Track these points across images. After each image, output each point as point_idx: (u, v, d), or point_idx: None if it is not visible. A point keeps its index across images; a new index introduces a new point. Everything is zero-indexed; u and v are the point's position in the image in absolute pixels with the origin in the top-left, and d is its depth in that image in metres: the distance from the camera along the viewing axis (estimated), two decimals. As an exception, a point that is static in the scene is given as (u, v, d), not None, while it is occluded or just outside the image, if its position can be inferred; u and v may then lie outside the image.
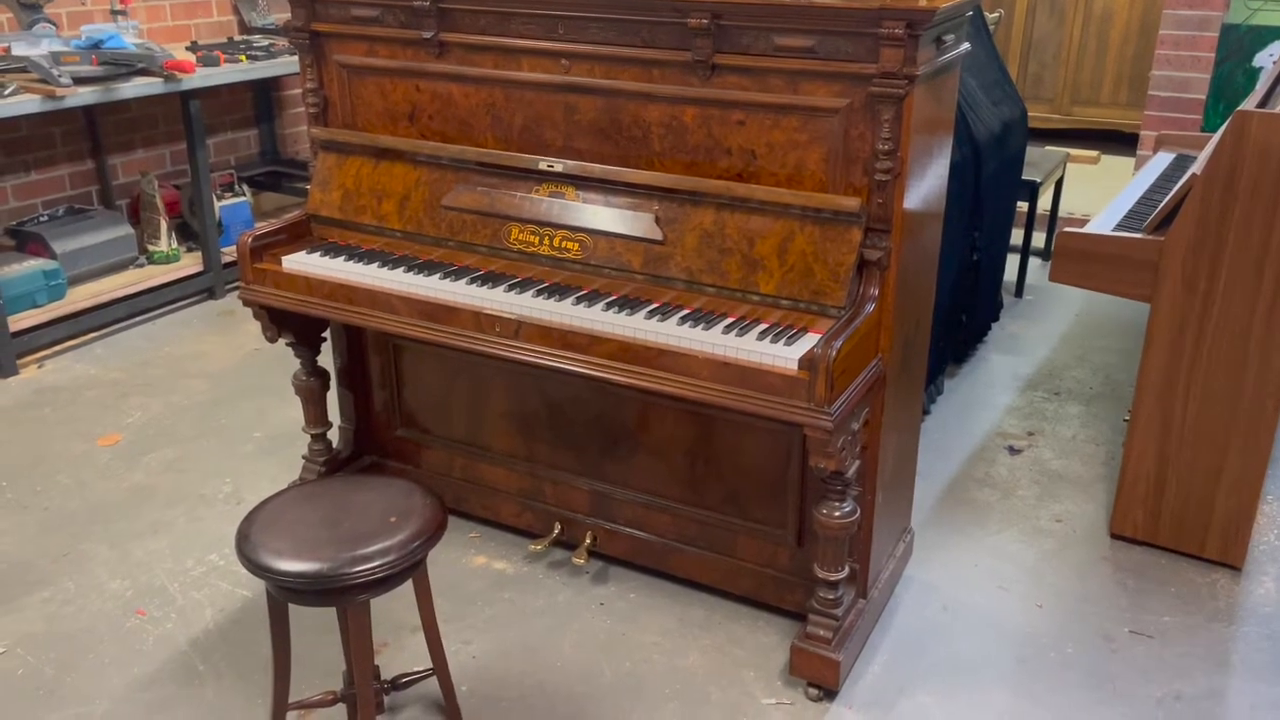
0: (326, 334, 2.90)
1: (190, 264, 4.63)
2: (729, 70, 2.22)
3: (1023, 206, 4.59)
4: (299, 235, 2.74)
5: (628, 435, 2.67)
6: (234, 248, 4.83)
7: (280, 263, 2.63)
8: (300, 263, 2.61)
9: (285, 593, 2.00)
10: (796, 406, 2.06)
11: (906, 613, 2.65)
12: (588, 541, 2.76)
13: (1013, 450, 3.45)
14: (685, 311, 2.28)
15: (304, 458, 3.01)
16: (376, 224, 2.64)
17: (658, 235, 2.32)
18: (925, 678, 2.45)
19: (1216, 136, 2.71)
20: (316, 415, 2.94)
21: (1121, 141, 6.87)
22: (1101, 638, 2.59)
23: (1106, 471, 3.32)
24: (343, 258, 2.60)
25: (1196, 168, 2.66)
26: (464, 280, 2.45)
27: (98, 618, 2.66)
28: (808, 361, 2.05)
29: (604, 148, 2.43)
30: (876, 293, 2.18)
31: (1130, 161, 6.30)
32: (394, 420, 3.03)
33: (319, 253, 2.64)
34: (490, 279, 2.45)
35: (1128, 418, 3.52)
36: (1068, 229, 2.83)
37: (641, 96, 2.34)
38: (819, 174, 2.21)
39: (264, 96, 5.34)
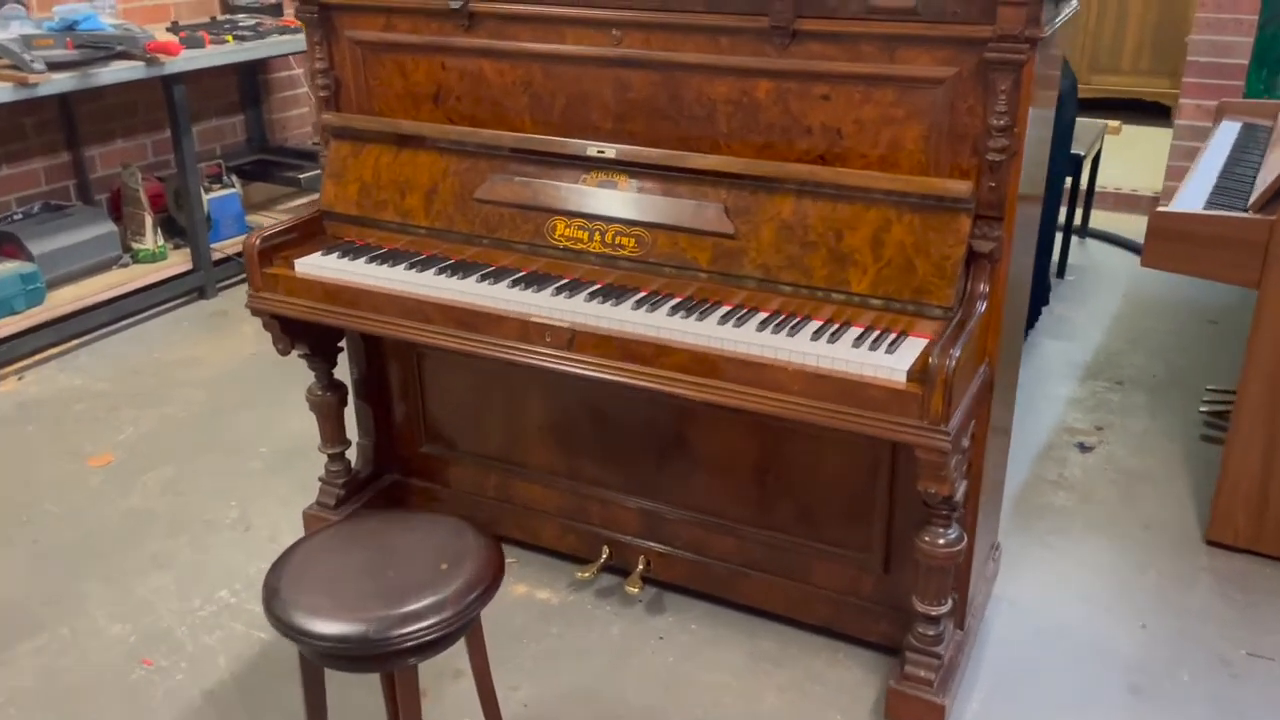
0: (343, 342, 2.60)
1: (178, 262, 4.30)
2: (812, 37, 1.94)
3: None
4: (311, 234, 2.44)
5: (684, 448, 2.40)
6: (224, 244, 4.57)
7: (293, 266, 2.33)
8: (316, 266, 2.31)
9: (323, 658, 1.72)
10: (906, 425, 1.78)
11: (1000, 639, 2.40)
12: (640, 567, 2.49)
13: (1083, 448, 3.20)
14: (763, 315, 2.00)
15: (321, 480, 2.72)
16: (400, 220, 2.35)
17: (728, 228, 2.04)
18: (1032, 717, 2.20)
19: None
20: (334, 433, 2.65)
21: (1142, 110, 6.61)
22: (1218, 661, 2.34)
23: (1188, 469, 3.07)
24: (364, 259, 2.31)
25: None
26: (505, 283, 2.16)
27: (99, 669, 2.37)
28: (920, 373, 1.78)
29: (661, 130, 2.14)
30: (987, 289, 1.90)
31: (1160, 132, 6.05)
32: (418, 434, 2.75)
33: (336, 254, 2.34)
34: (535, 281, 2.16)
35: (1203, 409, 3.28)
36: (1162, 209, 2.56)
37: (707, 70, 2.05)
38: (917, 154, 1.93)
39: (250, 80, 5.00)
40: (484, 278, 2.19)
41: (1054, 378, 3.63)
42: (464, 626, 1.73)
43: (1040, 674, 2.30)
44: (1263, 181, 2.73)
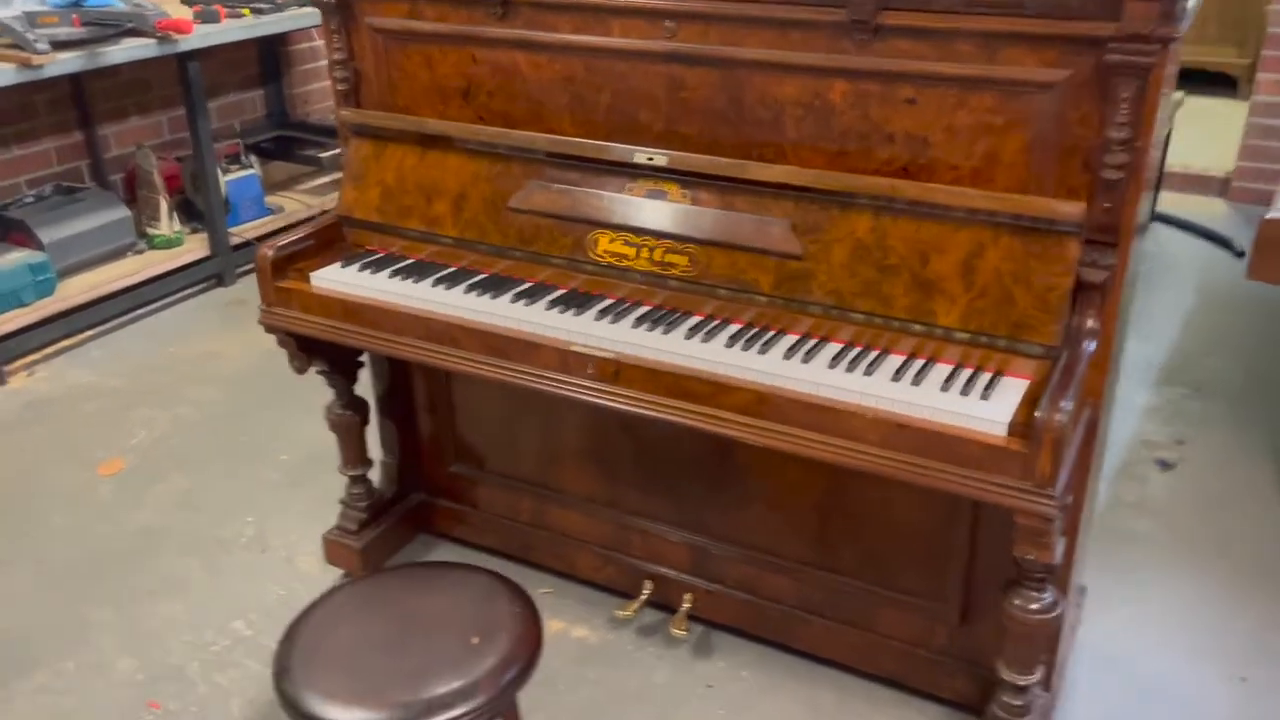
0: (364, 357, 2.39)
1: (195, 248, 4.10)
2: (899, 33, 1.69)
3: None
4: (329, 242, 2.22)
5: (738, 480, 2.18)
6: (243, 227, 4.35)
7: (308, 280, 2.11)
8: (334, 281, 2.09)
9: (340, 749, 1.52)
10: (1005, 487, 1.55)
11: (1087, 697, 2.17)
12: (686, 605, 2.28)
13: (1164, 465, 2.95)
14: (834, 347, 1.77)
15: (342, 503, 2.52)
16: (425, 229, 2.12)
17: (795, 248, 1.80)
18: (1124, 787, 1.99)
19: None
20: (355, 454, 2.44)
21: (1205, 80, 6.26)
22: (1329, 724, 2.12)
23: (1277, 493, 2.81)
24: (387, 273, 2.09)
25: None
26: (542, 304, 1.94)
27: (104, 711, 2.19)
28: (1024, 427, 1.54)
29: (719, 135, 1.90)
30: (1096, 326, 1.66)
31: (1225, 104, 5.72)
32: (446, 453, 2.54)
33: (357, 266, 2.13)
34: (575, 301, 1.93)
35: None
36: (1273, 215, 2.29)
37: (773, 68, 1.81)
38: (1017, 168, 1.68)
39: (269, 53, 4.77)
40: (519, 297, 1.96)
41: (1126, 381, 3.37)
42: (499, 713, 1.53)
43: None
44: None
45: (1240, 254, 4.26)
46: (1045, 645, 1.85)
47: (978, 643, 2.04)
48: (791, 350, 1.76)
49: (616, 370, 1.81)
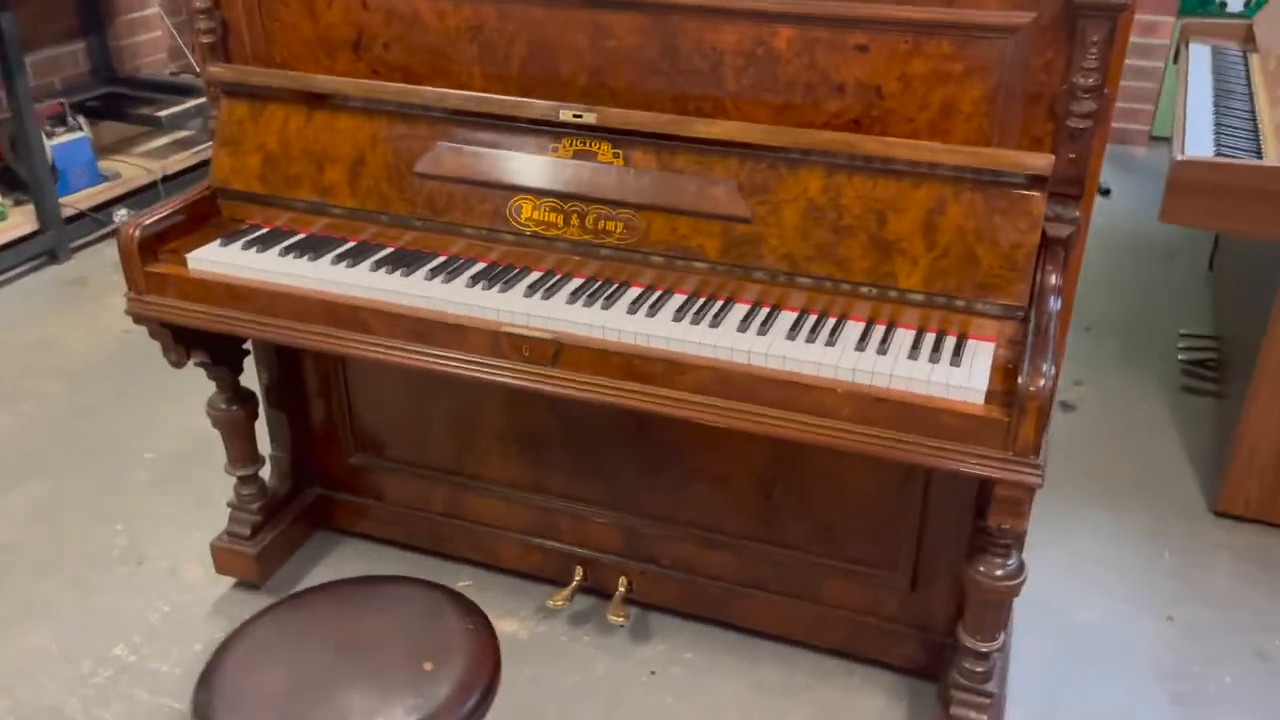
0: (249, 343, 2.14)
1: (21, 222, 3.68)
2: (851, -26, 1.56)
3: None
4: (203, 217, 1.97)
5: (673, 456, 2.05)
6: (75, 196, 3.92)
7: (185, 262, 1.86)
8: (217, 261, 1.85)
9: (285, 806, 1.34)
10: (986, 458, 1.48)
11: (1030, 653, 2.16)
12: (621, 589, 2.16)
13: (1065, 406, 2.98)
14: (789, 315, 1.66)
15: (231, 505, 2.27)
16: (318, 198, 1.90)
17: (742, 210, 1.67)
18: (1077, 740, 1.98)
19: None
20: (244, 452, 2.20)
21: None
22: (1256, 656, 2.16)
23: (1177, 428, 2.88)
24: (277, 250, 1.86)
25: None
26: (463, 279, 1.75)
27: (-30, 766, 1.93)
28: (1005, 395, 1.47)
29: (651, 88, 1.74)
30: (1059, 283, 1.59)
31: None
32: (345, 444, 2.33)
33: (239, 243, 1.88)
34: (499, 276, 1.76)
35: (1182, 357, 3.10)
36: (1185, 157, 2.29)
37: (711, 13, 1.65)
38: (976, 119, 1.59)
39: (88, 0, 4.30)
40: (435, 273, 1.77)
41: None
42: (463, 746, 1.37)
43: (1078, 692, 2.08)
44: (1273, 122, 2.50)
45: (1106, 192, 4.37)
46: (1006, 609, 1.81)
47: (927, 608, 1.99)
48: (745, 321, 1.63)
49: (556, 352, 1.65)
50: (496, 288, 1.73)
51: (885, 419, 1.50)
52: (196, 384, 2.12)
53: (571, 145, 1.76)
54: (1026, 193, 1.55)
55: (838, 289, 1.66)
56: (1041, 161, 1.52)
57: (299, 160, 1.90)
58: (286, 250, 1.86)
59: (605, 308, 1.68)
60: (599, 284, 1.74)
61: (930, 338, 1.59)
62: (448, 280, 1.76)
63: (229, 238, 1.90)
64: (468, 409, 2.17)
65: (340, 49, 1.89)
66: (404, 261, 1.81)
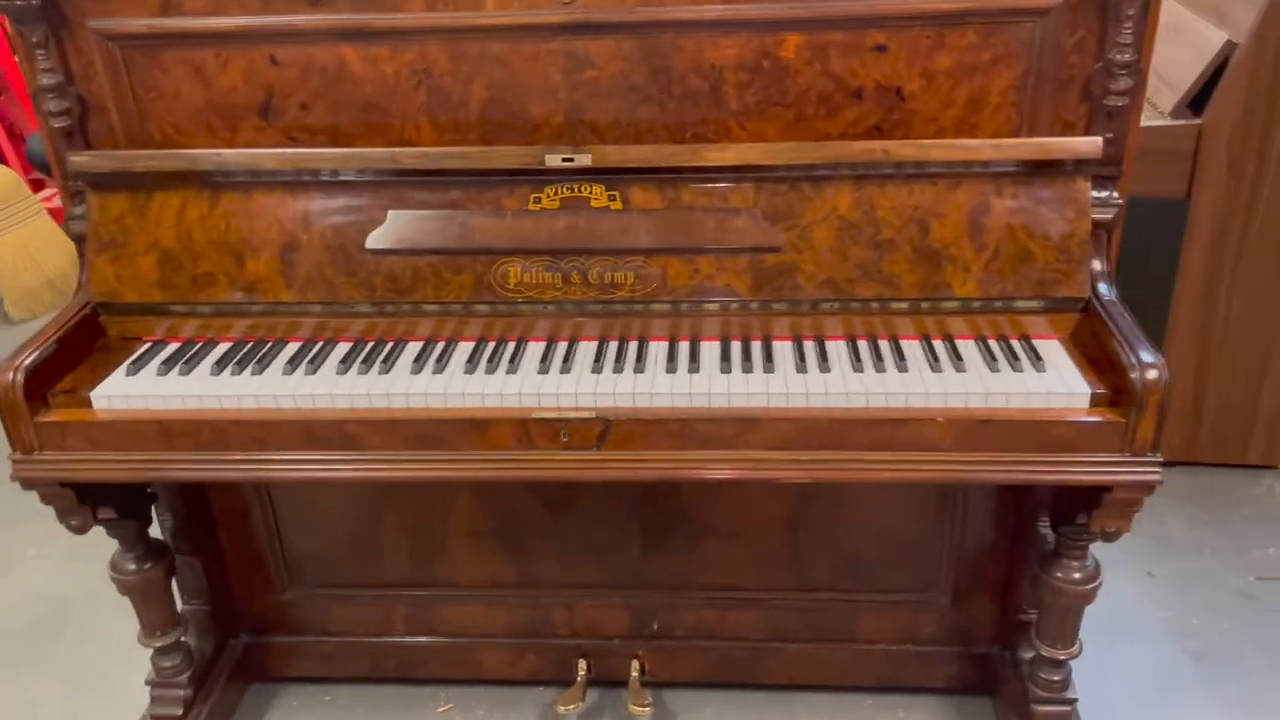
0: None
1: None
2: (869, -32, 1.43)
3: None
4: (85, 343, 1.58)
5: (682, 519, 1.86)
6: None
7: (88, 402, 1.48)
8: (134, 395, 1.47)
9: None
10: (1103, 464, 1.39)
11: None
12: (636, 674, 1.93)
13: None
14: (839, 345, 1.51)
15: (151, 684, 1.85)
16: (243, 297, 1.56)
17: (773, 239, 1.51)
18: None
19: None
20: (163, 616, 1.80)
21: None
22: (1242, 597, 2.23)
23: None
24: (206, 367, 1.51)
25: (1232, 34, 2.25)
26: (457, 366, 1.49)
27: None
28: (1113, 394, 1.38)
29: (639, 119, 1.54)
30: (1105, 268, 1.53)
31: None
32: (278, 577, 1.96)
33: (154, 367, 1.52)
34: (498, 355, 1.51)
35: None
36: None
37: (708, 27, 1.48)
38: (1005, 110, 1.51)
39: None
40: (419, 362, 1.49)
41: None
42: None
43: (1107, 665, 2.06)
44: (1170, 82, 2.59)
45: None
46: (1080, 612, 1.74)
47: (969, 622, 1.91)
48: (800, 359, 1.47)
49: (604, 430, 1.42)
50: (502, 369, 1.48)
51: (992, 442, 1.38)
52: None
53: (557, 193, 1.53)
54: (1071, 180, 1.48)
55: (867, 308, 1.53)
56: (1089, 145, 1.45)
57: (209, 255, 1.56)
58: (219, 366, 1.51)
59: (639, 370, 1.47)
60: (616, 344, 1.52)
61: (995, 345, 1.50)
62: (439, 369, 1.48)
63: (136, 364, 1.53)
64: (429, 510, 1.88)
65: (243, 115, 1.57)
66: (374, 356, 1.52)
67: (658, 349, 1.52)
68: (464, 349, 1.53)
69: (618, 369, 1.47)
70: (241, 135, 1.58)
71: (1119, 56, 1.43)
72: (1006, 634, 1.90)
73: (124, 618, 1.85)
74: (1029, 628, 1.82)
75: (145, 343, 1.60)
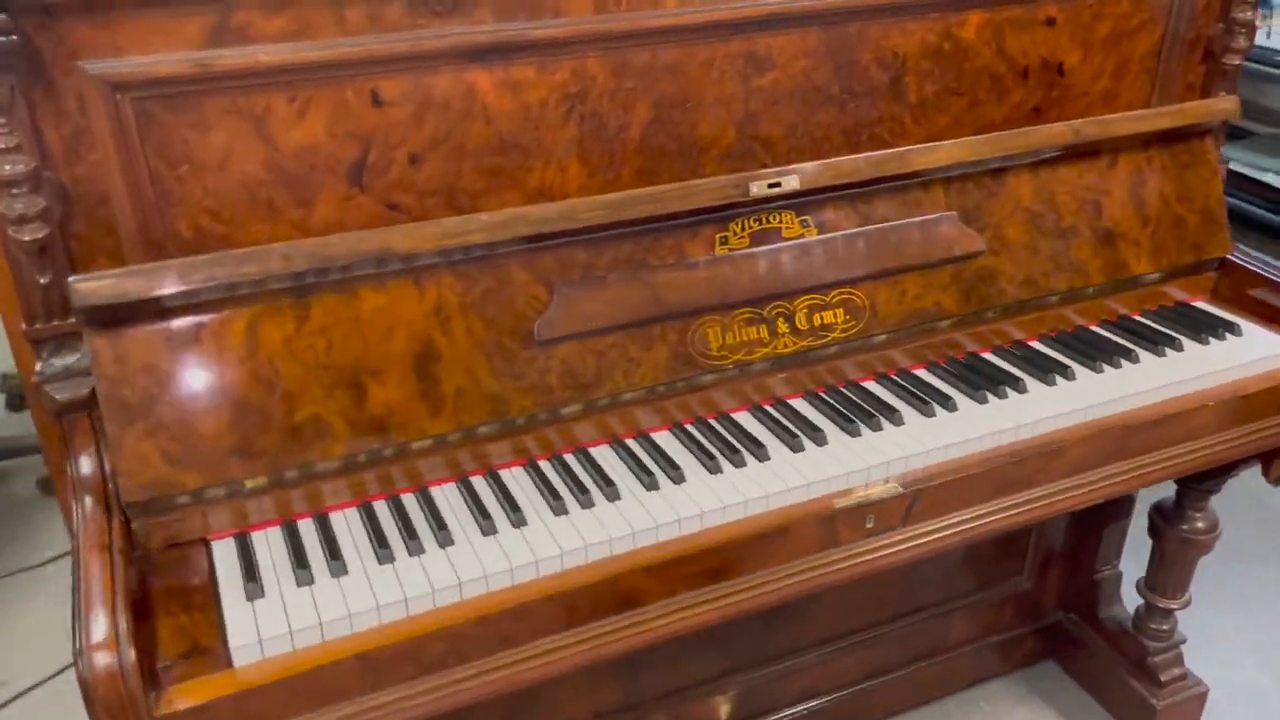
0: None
1: None
2: (1056, -64, 1.30)
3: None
4: (139, 578, 1.01)
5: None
6: None
7: (225, 660, 0.94)
8: (301, 628, 0.96)
9: None
10: (1318, 409, 1.42)
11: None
12: (747, 756, 1.69)
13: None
14: (1052, 348, 1.40)
15: None
16: (377, 442, 1.08)
17: (975, 244, 1.34)
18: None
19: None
20: None
21: None
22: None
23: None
24: (370, 553, 1.03)
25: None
26: (697, 465, 1.16)
27: None
28: (1326, 344, 1.41)
29: (817, 125, 1.29)
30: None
31: None
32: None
33: (293, 576, 1.01)
34: (745, 440, 1.20)
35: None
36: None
37: (892, 11, 1.26)
38: (1141, 76, 1.47)
39: None
40: (643, 477, 1.13)
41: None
42: None
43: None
44: None
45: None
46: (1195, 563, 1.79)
47: (1042, 596, 1.90)
48: (1065, 367, 1.33)
49: (911, 503, 1.18)
50: (750, 455, 1.17)
51: (1249, 413, 1.35)
52: None
53: (744, 228, 1.24)
54: (1202, 141, 1.48)
55: (1075, 297, 1.43)
56: (1229, 104, 1.46)
57: (311, 390, 1.06)
58: (382, 549, 1.04)
59: (926, 414, 1.24)
60: (850, 397, 1.28)
61: (1160, 316, 1.47)
62: (677, 479, 1.14)
63: (251, 580, 1.00)
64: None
65: (327, 183, 1.07)
66: (581, 481, 1.13)
67: (880, 389, 1.29)
68: (676, 444, 1.19)
69: (889, 420, 1.22)
70: (318, 211, 1.08)
71: (1240, 15, 1.44)
72: (1075, 598, 1.91)
73: None
74: (1099, 587, 1.86)
75: (218, 543, 1.05)
